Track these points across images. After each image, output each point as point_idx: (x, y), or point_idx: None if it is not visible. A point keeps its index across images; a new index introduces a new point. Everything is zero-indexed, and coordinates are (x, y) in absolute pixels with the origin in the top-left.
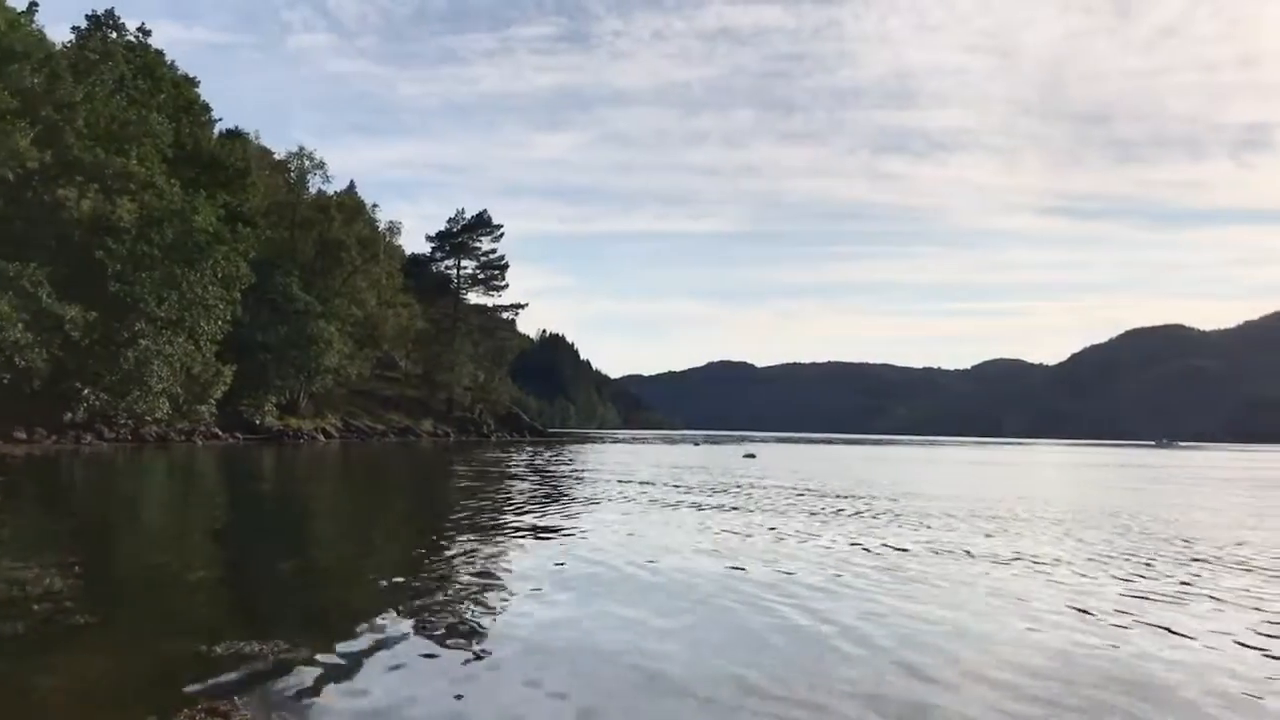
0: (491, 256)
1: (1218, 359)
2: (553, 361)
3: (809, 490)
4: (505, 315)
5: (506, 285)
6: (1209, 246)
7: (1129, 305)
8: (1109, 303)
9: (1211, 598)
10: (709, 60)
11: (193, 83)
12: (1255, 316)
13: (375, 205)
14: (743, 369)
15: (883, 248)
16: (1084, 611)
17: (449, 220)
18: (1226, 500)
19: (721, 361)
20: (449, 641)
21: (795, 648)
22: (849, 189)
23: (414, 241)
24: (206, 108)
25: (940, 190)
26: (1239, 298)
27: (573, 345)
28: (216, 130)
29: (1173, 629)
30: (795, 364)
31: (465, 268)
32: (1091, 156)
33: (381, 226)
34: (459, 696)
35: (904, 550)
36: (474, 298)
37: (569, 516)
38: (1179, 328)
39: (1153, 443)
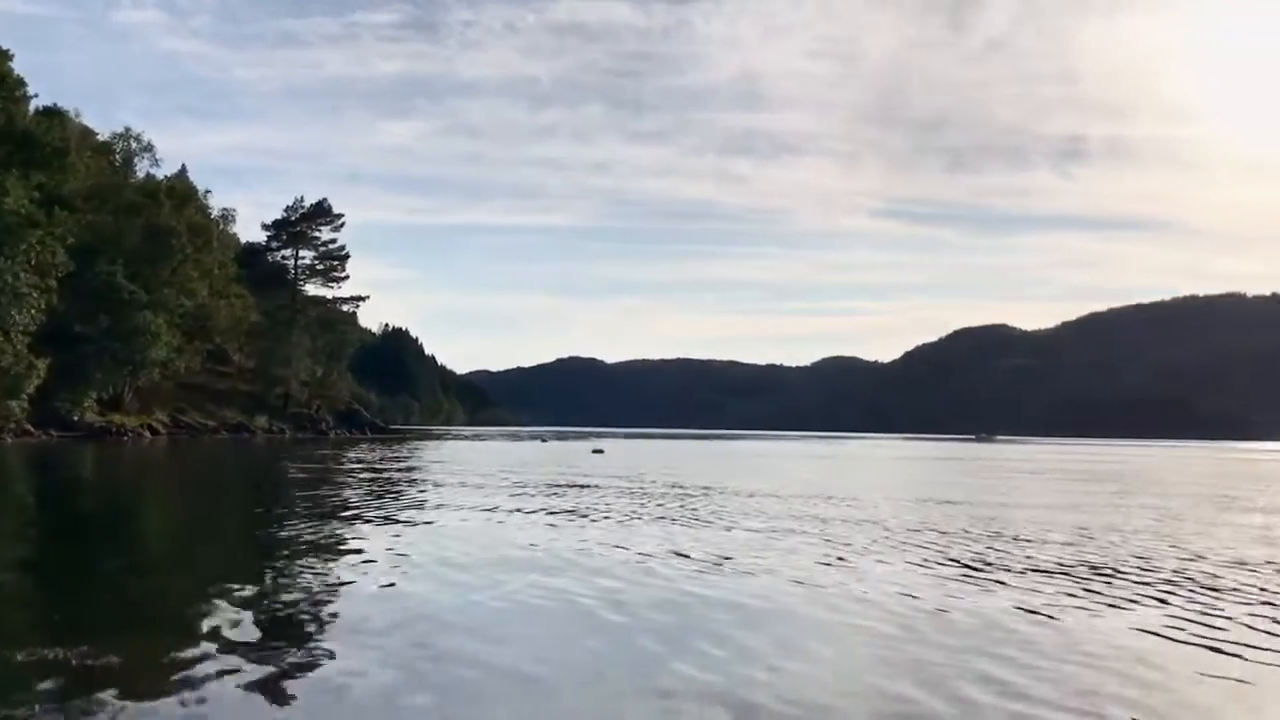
0: (331, 247)
1: (1039, 357)
2: (396, 356)
3: (650, 482)
4: (345, 308)
5: (347, 277)
6: (1031, 251)
7: (958, 306)
8: (939, 303)
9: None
10: (559, 55)
11: (5, 55)
12: (1072, 317)
13: (208, 191)
14: (592, 365)
15: (729, 247)
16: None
17: (287, 208)
18: (1033, 488)
19: (571, 357)
20: (270, 645)
21: (591, 639)
22: (697, 189)
23: (250, 230)
24: (21, 82)
25: (785, 192)
26: (1058, 299)
27: (417, 340)
28: (32, 107)
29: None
30: (644, 360)
31: (304, 258)
32: (926, 163)
33: (215, 214)
34: (279, 703)
35: (720, 544)
36: (313, 289)
37: (404, 517)
38: (1004, 327)
39: (972, 437)
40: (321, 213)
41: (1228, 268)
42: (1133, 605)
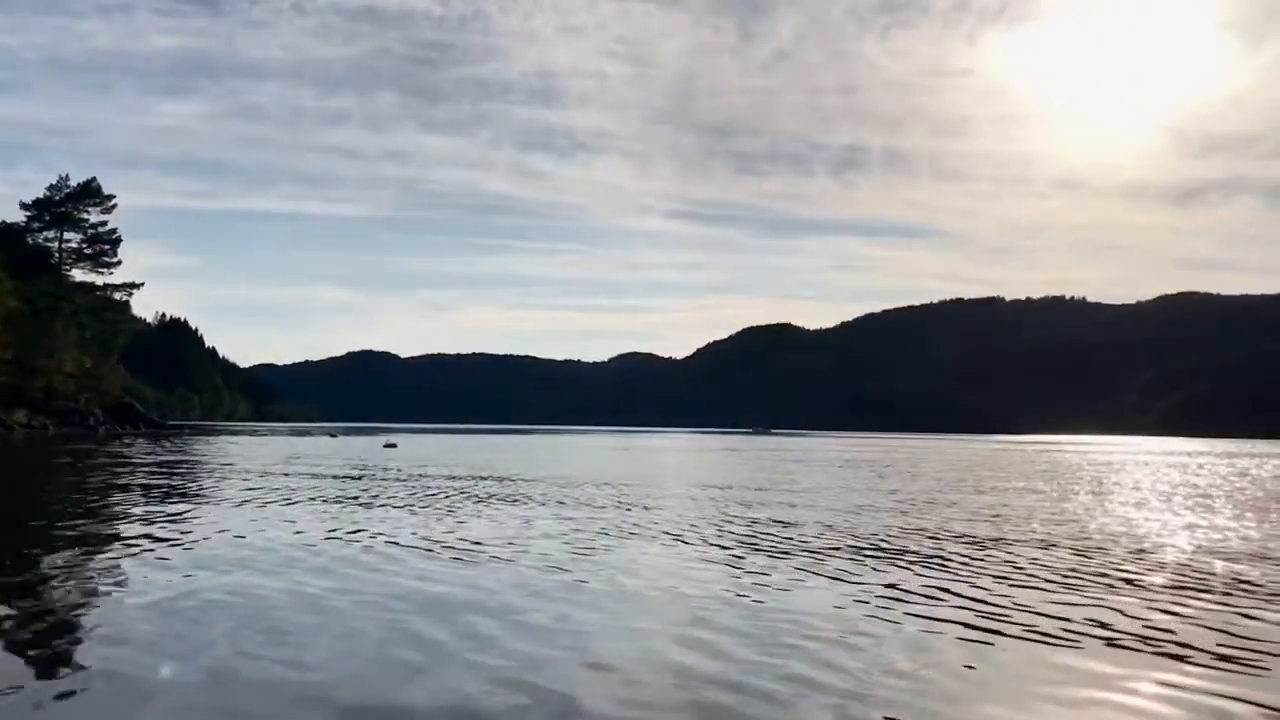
0: (101, 230)
1: (821, 354)
2: (173, 348)
3: (432, 474)
4: (118, 296)
5: (119, 263)
6: (813, 253)
7: (746, 305)
8: (729, 302)
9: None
10: (351, 40)
11: None
12: (850, 317)
13: None
14: (386, 359)
15: (528, 242)
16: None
17: (50, 187)
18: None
19: (364, 351)
20: (37, 670)
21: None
22: (495, 182)
23: (7, 209)
24: None
25: (582, 189)
26: (837, 300)
27: (196, 331)
28: None
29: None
30: (441, 355)
31: (69, 241)
32: (716, 166)
33: None
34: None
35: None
36: (80, 275)
37: (178, 520)
38: (788, 326)
39: (749, 430)
40: (90, 193)
41: (989, 274)
42: (855, 578)
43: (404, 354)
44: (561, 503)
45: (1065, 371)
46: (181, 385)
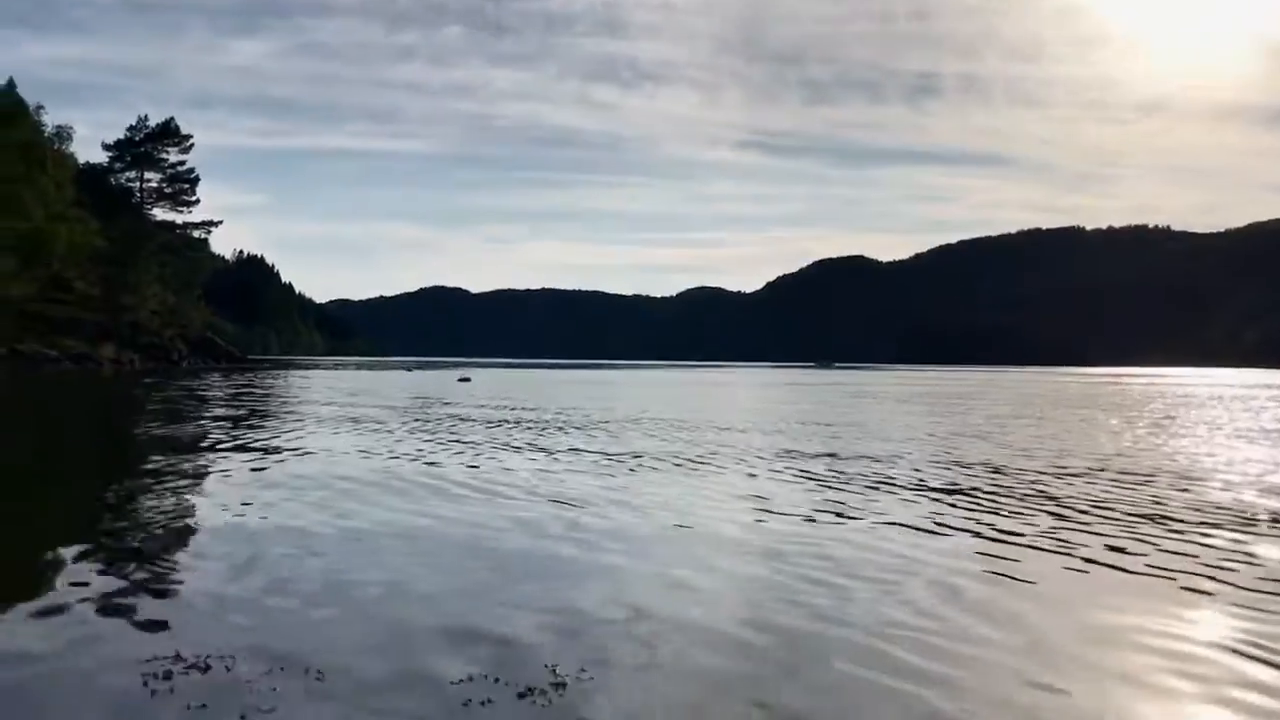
0: (180, 169)
1: (894, 288)
2: (252, 285)
3: (515, 409)
4: (196, 234)
5: (197, 201)
6: (887, 184)
7: (817, 238)
8: (799, 234)
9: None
10: None
11: None
12: (924, 249)
13: (40, 107)
14: (456, 295)
15: (593, 176)
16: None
17: (130, 128)
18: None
19: (435, 287)
20: (137, 594)
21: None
22: (560, 115)
23: (89, 151)
24: None
25: (648, 121)
26: (911, 232)
27: (273, 267)
28: None
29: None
30: (510, 290)
31: (150, 181)
32: (786, 95)
33: (48, 131)
34: (149, 660)
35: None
36: (160, 214)
37: (267, 445)
38: (861, 259)
39: (813, 364)
40: (168, 133)
41: (1068, 203)
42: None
43: (474, 289)
44: (623, 438)
45: (1147, 303)
46: (260, 321)
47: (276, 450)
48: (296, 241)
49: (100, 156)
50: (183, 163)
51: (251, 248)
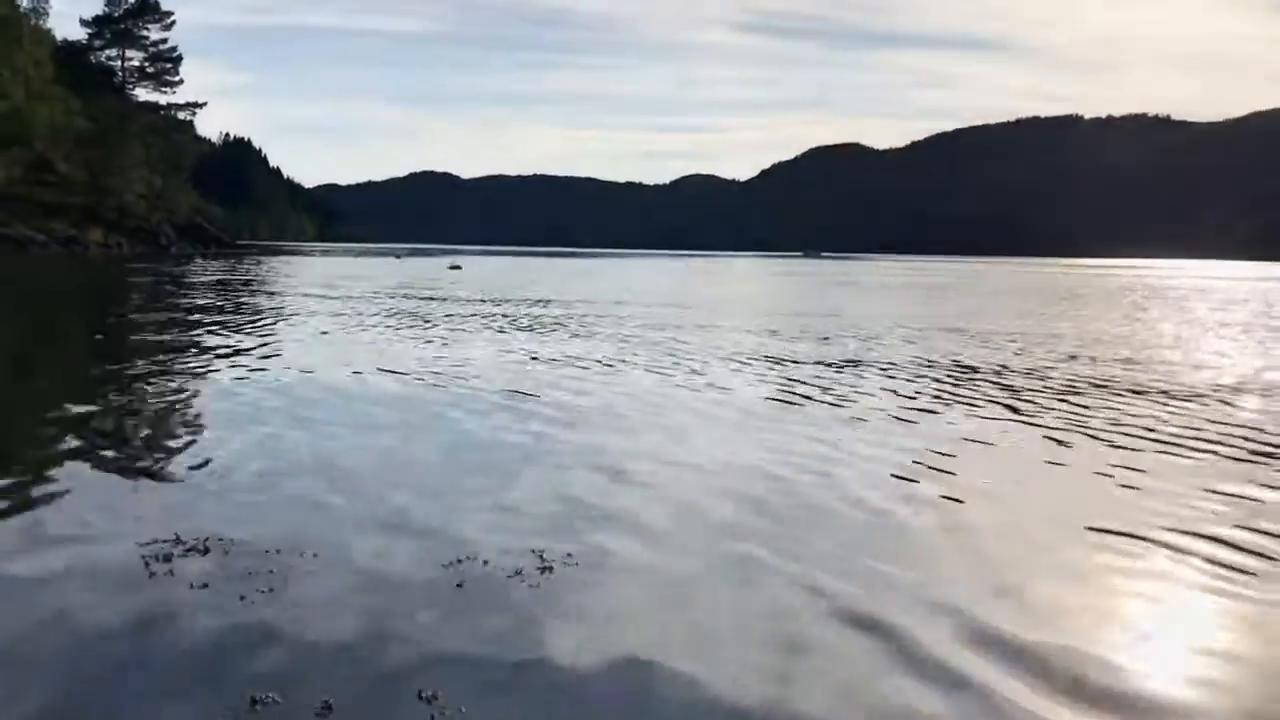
0: (162, 48)
1: (890, 175)
2: (239, 169)
3: (508, 299)
4: (181, 115)
5: (181, 81)
6: (885, 69)
7: (814, 123)
8: (796, 120)
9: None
10: None
11: None
12: (921, 137)
13: None
14: (446, 180)
15: (585, 58)
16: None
17: (108, 3)
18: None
19: (424, 172)
20: (137, 479)
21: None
22: None
23: (66, 26)
24: None
25: (639, 0)
26: (909, 119)
27: (260, 151)
28: None
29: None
30: (501, 176)
31: (131, 60)
32: None
33: (23, 5)
34: (148, 544)
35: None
36: (143, 94)
37: (260, 334)
38: (858, 146)
39: (800, 254)
40: (148, 9)
41: (1069, 90)
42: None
43: (464, 175)
44: (600, 328)
45: (1144, 193)
46: (248, 206)
47: (266, 341)
48: (284, 124)
49: (78, 33)
50: (165, 41)
51: (240, 129)
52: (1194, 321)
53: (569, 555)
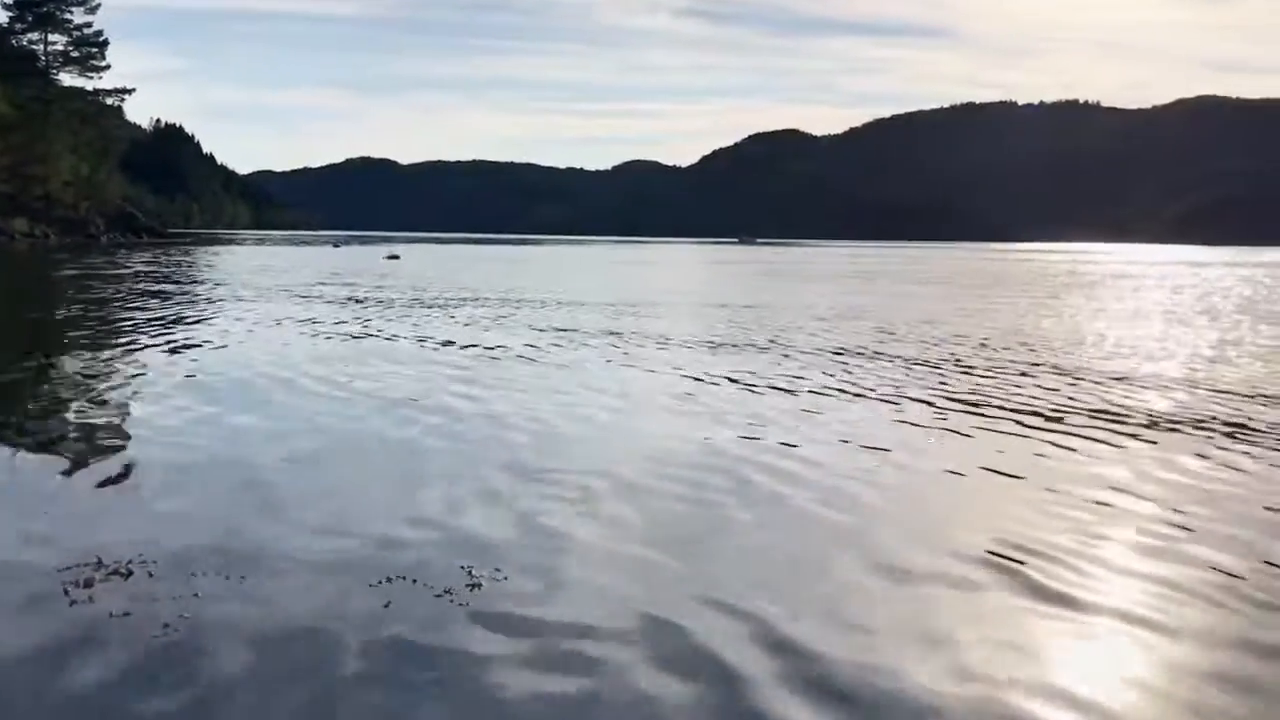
0: (87, 31)
1: (829, 162)
2: (171, 155)
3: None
4: (110, 101)
5: (108, 66)
6: (826, 55)
7: (755, 109)
8: (737, 106)
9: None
10: None
11: None
12: (860, 124)
13: None
14: (385, 166)
15: (526, 43)
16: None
17: None
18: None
19: (362, 158)
20: (74, 465)
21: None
22: None
23: None
24: None
25: None
26: (847, 105)
27: (193, 137)
28: None
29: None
30: (440, 162)
31: (55, 44)
32: None
33: None
34: (69, 568)
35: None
36: (68, 79)
37: (191, 324)
38: (796, 132)
39: (735, 240)
40: None
41: (1004, 77)
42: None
43: (403, 160)
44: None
45: (1075, 179)
46: (181, 193)
47: (194, 338)
48: (219, 109)
49: None
50: (89, 24)
51: (172, 115)
52: (1097, 309)
53: (498, 570)
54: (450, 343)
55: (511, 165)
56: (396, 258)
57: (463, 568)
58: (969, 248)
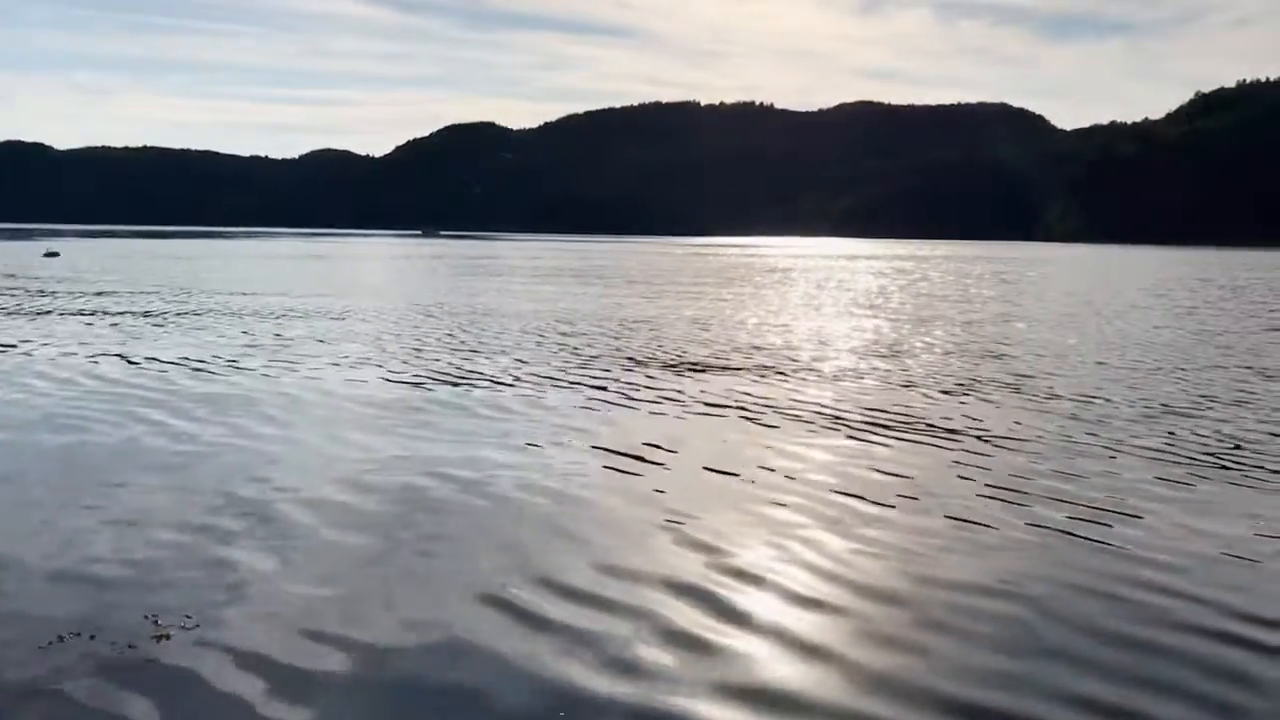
0: None
1: (525, 155)
2: None
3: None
4: None
5: None
6: (520, 49)
7: (450, 101)
8: (431, 97)
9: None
10: None
11: None
12: (554, 118)
13: None
14: (38, 151)
15: (201, 23)
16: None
17: None
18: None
19: (9, 142)
20: None
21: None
22: None
23: None
24: None
25: None
26: (541, 100)
27: None
28: None
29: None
30: (105, 147)
31: None
32: None
33: None
34: None
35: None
36: None
37: None
38: (492, 125)
39: (420, 233)
40: None
41: (689, 78)
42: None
43: (59, 145)
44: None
45: (753, 176)
46: None
47: None
48: None
49: None
50: None
51: None
52: (751, 296)
53: (187, 617)
54: (106, 349)
55: (188, 151)
56: (56, 255)
57: (146, 616)
58: (662, 241)
